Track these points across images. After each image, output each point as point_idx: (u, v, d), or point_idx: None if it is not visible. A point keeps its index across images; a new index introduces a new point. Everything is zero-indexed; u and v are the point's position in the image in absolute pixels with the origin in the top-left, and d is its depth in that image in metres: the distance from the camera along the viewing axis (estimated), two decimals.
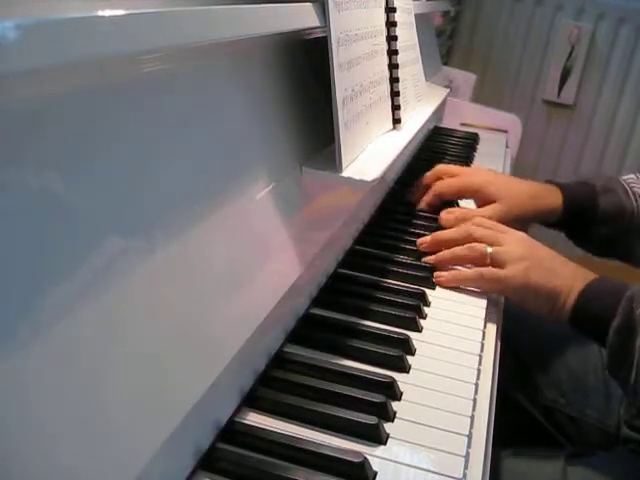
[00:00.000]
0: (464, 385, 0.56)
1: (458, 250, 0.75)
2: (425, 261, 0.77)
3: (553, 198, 0.89)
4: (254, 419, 0.48)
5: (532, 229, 0.90)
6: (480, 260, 0.73)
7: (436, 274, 0.75)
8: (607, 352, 0.65)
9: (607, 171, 2.13)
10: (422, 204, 0.95)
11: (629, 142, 2.10)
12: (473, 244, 0.75)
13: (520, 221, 0.87)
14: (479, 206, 0.90)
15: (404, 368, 0.57)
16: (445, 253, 0.76)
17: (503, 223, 0.82)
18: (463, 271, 0.75)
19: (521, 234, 0.76)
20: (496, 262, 0.72)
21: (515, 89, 2.18)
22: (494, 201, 0.87)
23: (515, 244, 0.74)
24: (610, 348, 0.64)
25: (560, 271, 0.71)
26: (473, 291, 0.74)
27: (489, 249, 0.73)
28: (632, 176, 0.92)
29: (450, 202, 0.95)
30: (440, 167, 0.97)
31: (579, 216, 0.89)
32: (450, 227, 0.82)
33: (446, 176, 0.94)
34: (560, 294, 0.69)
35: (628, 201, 0.88)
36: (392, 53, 0.78)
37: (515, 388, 0.90)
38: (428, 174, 0.96)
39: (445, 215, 0.87)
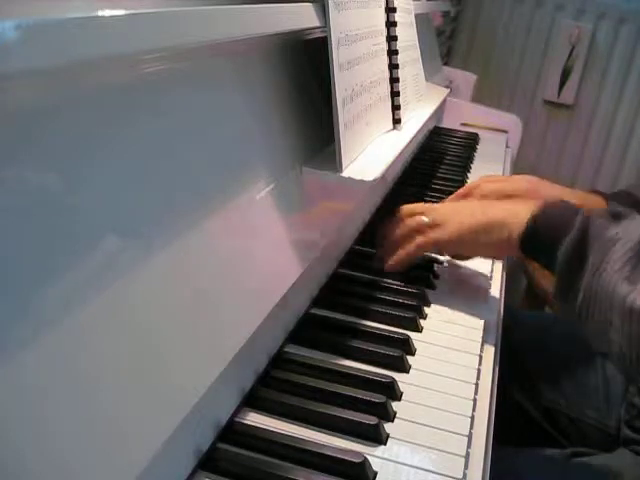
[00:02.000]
0: (464, 385, 0.56)
1: (398, 231, 0.75)
2: (386, 266, 0.75)
3: (599, 207, 0.88)
4: (254, 419, 0.48)
5: None
6: (420, 232, 0.73)
7: (386, 265, 0.74)
8: (556, 272, 0.61)
9: (607, 171, 2.13)
10: (453, 197, 0.91)
11: (629, 142, 2.09)
12: (407, 220, 0.74)
13: None
14: None
15: (404, 368, 0.57)
16: (391, 242, 0.75)
17: None
18: (403, 249, 0.73)
19: (456, 202, 0.76)
20: (434, 227, 0.72)
21: (515, 89, 2.17)
22: None
23: (449, 206, 0.75)
24: (560, 266, 0.60)
25: (495, 205, 0.71)
26: (473, 291, 0.74)
27: (424, 218, 0.73)
28: None
29: None
30: (486, 178, 0.93)
31: None
32: None
33: (490, 182, 0.91)
34: (502, 223, 0.67)
35: None
36: (392, 53, 0.78)
37: (515, 389, 0.90)
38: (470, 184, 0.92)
39: None
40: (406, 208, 0.77)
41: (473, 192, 0.87)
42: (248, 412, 0.49)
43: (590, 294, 0.56)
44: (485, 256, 0.74)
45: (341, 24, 0.60)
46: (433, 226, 0.71)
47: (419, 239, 0.72)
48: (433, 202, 0.98)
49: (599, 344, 0.59)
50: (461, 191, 0.89)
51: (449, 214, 0.72)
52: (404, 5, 0.88)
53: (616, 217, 0.60)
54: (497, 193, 0.87)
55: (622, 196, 0.90)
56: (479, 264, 0.79)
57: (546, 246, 0.62)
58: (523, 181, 0.90)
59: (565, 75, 2.11)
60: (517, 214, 0.66)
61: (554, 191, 0.89)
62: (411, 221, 0.74)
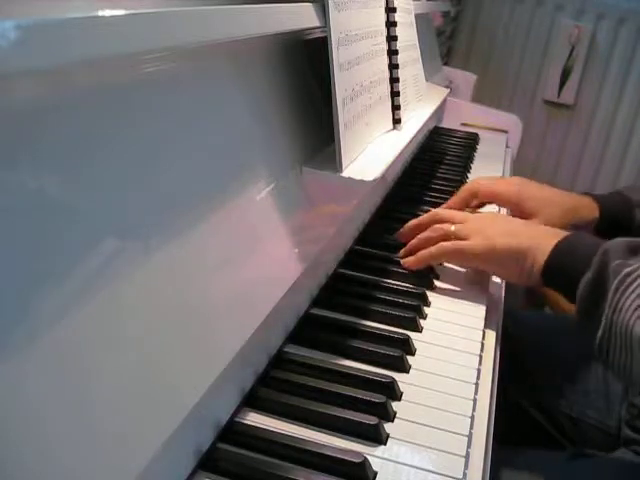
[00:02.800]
0: (464, 385, 0.56)
1: (424, 233, 0.76)
2: (400, 255, 0.77)
3: (590, 211, 0.88)
4: (254, 419, 0.48)
5: None
6: (445, 239, 0.74)
7: (402, 260, 0.76)
8: (577, 305, 0.62)
9: (607, 171, 2.13)
10: (454, 199, 0.92)
11: (629, 142, 2.10)
12: (436, 225, 0.76)
13: None
14: (514, 216, 0.88)
15: (404, 368, 0.57)
16: (413, 240, 0.77)
17: None
18: (426, 249, 0.74)
19: (486, 212, 0.76)
20: (460, 237, 0.73)
21: (515, 89, 2.18)
22: (531, 216, 0.86)
23: (478, 218, 0.75)
24: (580, 302, 0.61)
25: (523, 231, 0.71)
26: (473, 291, 0.74)
27: (452, 227, 0.74)
28: None
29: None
30: (478, 178, 0.95)
31: (614, 229, 0.89)
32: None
33: (485, 181, 0.92)
34: (527, 252, 0.67)
35: None
36: (392, 53, 0.78)
37: (515, 389, 0.90)
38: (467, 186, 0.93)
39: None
40: (436, 213, 0.78)
41: (471, 195, 0.89)
42: (248, 412, 0.49)
43: (609, 331, 0.58)
44: (504, 279, 0.74)
45: (341, 24, 0.60)
46: (461, 236, 0.72)
47: (447, 246, 0.72)
48: (433, 202, 0.98)
49: (621, 376, 0.60)
50: (462, 194, 0.90)
51: (478, 228, 0.72)
52: (404, 5, 0.88)
53: (633, 251, 0.60)
54: (489, 196, 0.89)
55: (615, 198, 0.90)
56: None
57: (567, 281, 0.64)
58: (513, 184, 0.91)
59: (565, 75, 2.11)
60: (540, 245, 0.67)
61: (543, 192, 0.90)
62: (440, 227, 0.75)
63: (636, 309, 0.55)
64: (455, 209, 0.90)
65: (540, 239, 0.68)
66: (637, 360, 0.55)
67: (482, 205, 0.93)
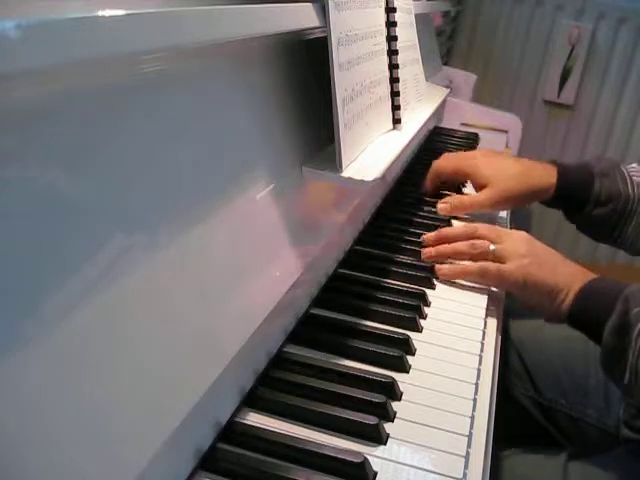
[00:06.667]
0: (464, 385, 0.56)
1: (460, 245, 0.76)
2: (425, 253, 0.78)
3: (546, 176, 0.90)
4: (254, 419, 0.48)
5: (535, 223, 0.91)
6: (482, 257, 0.74)
7: (437, 267, 0.76)
8: (602, 351, 0.65)
9: None
10: (425, 185, 1.00)
11: (629, 142, 2.09)
12: (476, 240, 0.76)
13: (512, 201, 0.90)
14: (476, 188, 0.93)
15: (404, 368, 0.57)
16: (446, 247, 0.77)
17: (495, 207, 0.89)
18: (466, 265, 0.75)
19: (523, 233, 0.77)
20: (498, 259, 0.73)
21: (515, 89, 2.17)
22: (486, 185, 0.89)
23: (518, 242, 0.75)
24: (605, 347, 0.64)
25: (560, 269, 0.72)
26: (473, 291, 0.74)
27: (492, 246, 0.74)
28: (635, 165, 0.92)
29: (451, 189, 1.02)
30: (437, 161, 1.00)
31: (574, 196, 0.90)
32: (446, 215, 0.90)
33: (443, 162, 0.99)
34: (560, 292, 0.69)
35: (625, 188, 0.88)
36: (392, 53, 0.78)
37: (515, 388, 0.90)
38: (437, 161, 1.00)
39: (441, 205, 0.91)
40: (477, 228, 0.78)
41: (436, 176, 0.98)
42: (248, 412, 0.49)
43: (636, 376, 0.61)
44: (532, 309, 0.75)
45: (341, 24, 0.59)
46: (499, 258, 0.73)
47: (489, 268, 0.72)
48: (433, 202, 0.98)
49: None
50: (430, 177, 0.99)
51: (517, 253, 0.72)
52: (404, 5, 0.88)
53: None
54: (451, 174, 0.97)
55: (577, 167, 0.92)
56: None
57: (591, 325, 0.67)
58: (470, 157, 0.97)
59: (565, 75, 2.10)
60: (573, 286, 0.69)
61: (498, 161, 0.93)
62: (481, 245, 0.75)
63: None
64: (430, 194, 0.98)
65: (573, 280, 0.70)
66: None
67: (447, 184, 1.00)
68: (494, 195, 0.88)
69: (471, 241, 0.76)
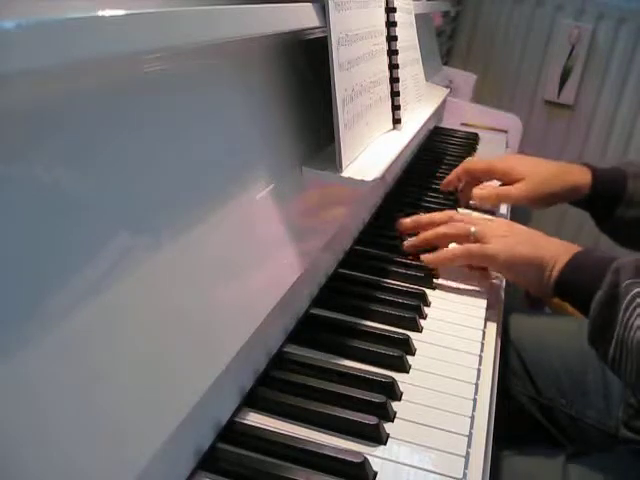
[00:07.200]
0: (464, 385, 0.56)
1: (441, 228, 0.76)
2: (406, 244, 0.78)
3: (581, 175, 0.90)
4: (254, 419, 0.48)
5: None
6: (463, 238, 0.74)
7: (422, 256, 0.76)
8: (589, 323, 0.64)
9: None
10: (450, 177, 0.99)
11: (629, 142, 2.09)
12: (455, 222, 0.76)
13: (547, 197, 0.90)
14: (504, 185, 0.92)
15: (404, 368, 0.57)
16: (428, 232, 0.77)
17: (530, 200, 0.87)
18: (450, 249, 0.75)
19: (500, 218, 0.78)
20: (479, 240, 0.73)
21: (515, 89, 2.17)
22: (521, 179, 0.89)
23: (496, 223, 0.76)
24: (592, 319, 0.63)
25: (544, 244, 0.72)
26: (473, 291, 0.74)
27: (472, 228, 0.74)
28: None
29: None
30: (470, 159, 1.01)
31: (605, 197, 0.90)
32: (480, 202, 0.91)
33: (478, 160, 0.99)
34: (547, 265, 0.69)
35: None
36: (392, 53, 0.78)
37: (515, 388, 0.90)
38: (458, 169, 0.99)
39: (477, 190, 0.91)
40: (454, 213, 0.79)
41: (466, 172, 0.96)
42: (248, 412, 0.49)
43: (621, 348, 0.60)
44: (521, 286, 0.75)
45: (341, 24, 0.59)
46: (481, 239, 0.73)
47: (473, 248, 0.73)
48: (432, 202, 0.98)
49: (634, 389, 0.63)
50: (458, 170, 0.97)
51: (498, 234, 0.73)
52: (404, 5, 0.88)
53: None
54: (485, 171, 0.95)
55: (610, 169, 0.92)
56: None
57: (579, 296, 0.67)
58: (505, 159, 0.96)
59: (565, 75, 2.10)
60: (560, 258, 0.69)
61: (533, 160, 0.93)
62: (459, 226, 0.75)
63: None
64: (450, 186, 0.98)
65: (559, 252, 0.69)
66: None
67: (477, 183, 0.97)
68: (531, 189, 0.88)
69: (450, 223, 0.76)
